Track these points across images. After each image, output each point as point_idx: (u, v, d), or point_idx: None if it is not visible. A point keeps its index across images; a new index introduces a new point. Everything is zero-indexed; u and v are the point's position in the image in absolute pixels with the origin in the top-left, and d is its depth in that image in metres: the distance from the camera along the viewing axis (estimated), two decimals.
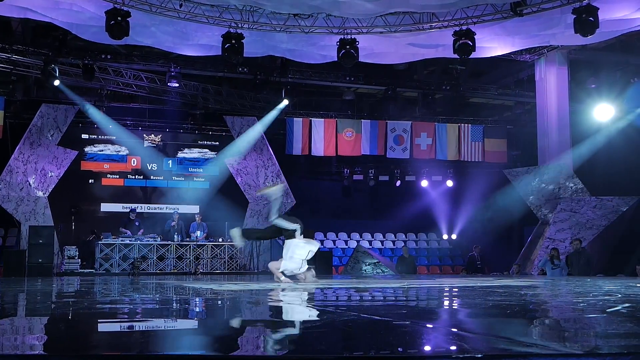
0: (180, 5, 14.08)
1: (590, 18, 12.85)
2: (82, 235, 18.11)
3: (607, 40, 15.35)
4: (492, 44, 15.64)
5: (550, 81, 17.53)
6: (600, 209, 15.72)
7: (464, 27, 14.44)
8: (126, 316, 4.20)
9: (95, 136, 19.64)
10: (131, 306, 4.98)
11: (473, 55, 14.68)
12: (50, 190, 18.09)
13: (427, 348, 2.62)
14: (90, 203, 19.38)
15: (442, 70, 20.17)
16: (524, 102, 21.08)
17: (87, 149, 19.45)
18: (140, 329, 3.42)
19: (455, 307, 5.03)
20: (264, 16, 14.92)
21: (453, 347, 2.52)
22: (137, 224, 17.53)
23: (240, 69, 18.09)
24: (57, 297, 6.49)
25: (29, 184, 17.84)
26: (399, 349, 2.75)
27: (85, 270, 16.37)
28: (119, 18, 13.25)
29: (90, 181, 19.46)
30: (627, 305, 4.52)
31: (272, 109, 19.86)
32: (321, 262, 17.35)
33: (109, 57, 17.41)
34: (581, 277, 12.43)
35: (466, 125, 21.14)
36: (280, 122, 20.20)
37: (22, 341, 2.85)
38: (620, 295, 5.61)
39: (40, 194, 17.93)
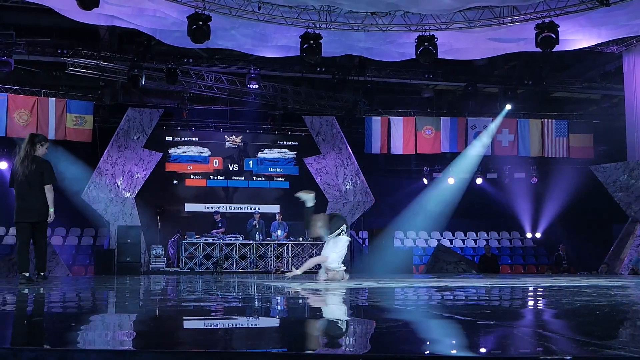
0: (259, 8, 14.29)
1: None
2: (167, 234, 18.67)
3: None
4: (576, 36, 15.13)
5: (639, 73, 16.83)
6: None
7: (547, 20, 14.03)
8: (211, 314, 4.29)
9: (179, 138, 20.20)
10: (215, 304, 5.09)
11: (557, 48, 14.25)
12: (137, 191, 18.77)
13: (512, 349, 2.56)
14: (174, 203, 19.93)
15: (524, 65, 19.67)
16: (611, 95, 20.32)
17: (171, 151, 20.03)
18: (224, 327, 3.49)
19: (541, 308, 4.89)
20: (342, 16, 14.95)
21: (539, 349, 2.45)
22: (220, 225, 17.95)
23: (318, 69, 18.20)
24: (144, 294, 6.70)
25: (117, 185, 18.57)
26: (482, 349, 2.70)
27: (171, 269, 16.88)
28: (200, 22, 13.59)
29: (174, 182, 20.03)
30: None
31: (350, 107, 19.90)
32: (402, 261, 17.28)
33: (190, 60, 17.87)
34: None
35: (550, 120, 20.55)
36: (359, 120, 20.20)
37: (112, 337, 2.96)
38: None
39: (127, 195, 18.63)
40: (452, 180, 21.40)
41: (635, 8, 13.79)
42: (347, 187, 20.01)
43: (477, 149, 20.36)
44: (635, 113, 16.82)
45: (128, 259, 16.45)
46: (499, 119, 20.13)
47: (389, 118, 20.22)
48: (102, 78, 18.01)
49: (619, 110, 18.58)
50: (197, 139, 20.28)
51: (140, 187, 18.87)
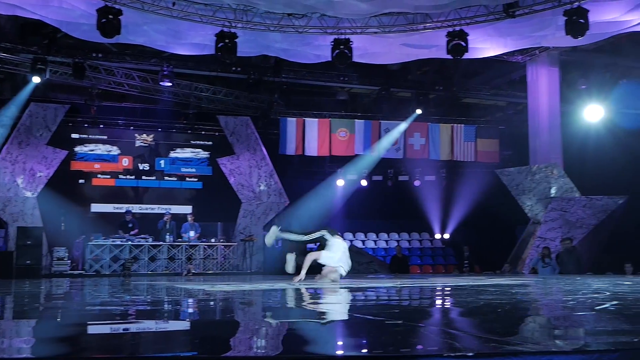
0: (173, 4, 14.00)
1: (581, 20, 12.90)
2: (71, 236, 17.99)
3: (596, 42, 15.43)
4: (484, 45, 15.67)
5: (542, 82, 17.60)
6: (590, 208, 15.83)
7: (457, 28, 14.45)
8: (117, 318, 4.17)
9: (86, 136, 19.53)
10: (122, 308, 4.95)
11: (466, 55, 14.69)
12: (39, 190, 17.96)
13: (419, 347, 2.61)
14: (80, 203, 19.22)
15: (436, 71, 20.19)
16: (516, 102, 21.13)
17: (78, 149, 19.31)
18: (131, 331, 3.40)
19: (447, 306, 5.03)
20: (258, 15, 14.88)
21: (445, 346, 2.51)
22: (130, 225, 17.46)
23: (233, 69, 18.04)
24: (45, 299, 6.45)
25: (17, 184, 17.70)
26: (391, 348, 2.74)
27: (75, 272, 16.27)
28: (111, 16, 13.16)
29: (80, 181, 19.32)
30: (615, 302, 4.54)
31: (265, 108, 19.87)
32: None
33: (100, 55, 17.28)
34: (571, 275, 12.50)
35: (459, 125, 21.19)
36: (274, 121, 20.18)
37: (9, 345, 2.83)
38: (608, 293, 5.64)
39: (28, 194, 17.80)
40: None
41: (539, 21, 14.43)
42: (261, 188, 19.93)
43: (382, 151, 20.77)
44: (538, 120, 17.58)
45: (28, 262, 15.71)
46: (407, 122, 20.58)
47: (304, 119, 20.29)
48: (2, 70, 17.14)
49: (523, 117, 19.32)
50: (105, 137, 19.65)
51: (42, 187, 18.05)
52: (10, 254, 16.06)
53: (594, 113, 17.44)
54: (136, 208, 19.50)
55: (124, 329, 3.45)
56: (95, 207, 19.32)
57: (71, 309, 4.72)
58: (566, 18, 13.05)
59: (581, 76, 18.51)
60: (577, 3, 13.01)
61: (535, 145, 17.59)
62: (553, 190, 16.68)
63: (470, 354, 2.20)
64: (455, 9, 14.40)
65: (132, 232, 17.25)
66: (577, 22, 12.93)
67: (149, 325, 3.65)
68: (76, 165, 19.22)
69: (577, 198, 16.14)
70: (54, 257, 16.32)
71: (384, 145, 20.69)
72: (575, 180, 16.70)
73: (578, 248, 14.97)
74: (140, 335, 3.18)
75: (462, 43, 14.33)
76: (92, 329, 3.54)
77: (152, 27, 14.73)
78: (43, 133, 18.17)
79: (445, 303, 5.46)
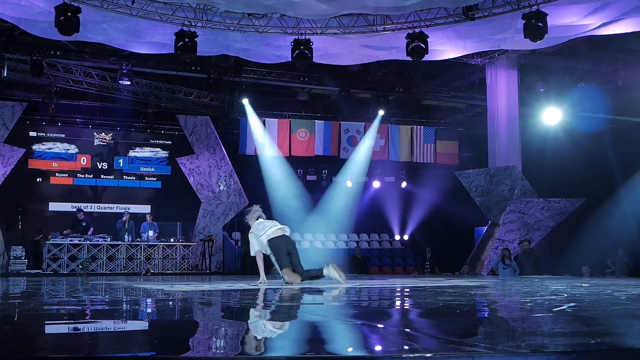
0: (133, 2, 13.85)
1: (540, 24, 13.12)
2: (29, 235, 17.67)
3: (555, 46, 15.70)
4: (444, 47, 15.83)
5: (501, 85, 17.86)
6: (547, 211, 16.09)
7: (417, 30, 14.57)
8: (74, 318, 4.12)
9: (44, 134, 19.20)
10: (79, 307, 4.89)
11: (426, 57, 14.82)
12: None
13: (379, 348, 2.64)
14: (38, 202, 18.93)
15: (396, 72, 20.34)
16: (475, 104, 21.39)
17: (35, 147, 19.00)
18: (88, 331, 3.36)
19: (407, 307, 5.08)
20: (218, 15, 14.80)
21: (404, 347, 2.54)
22: (84, 224, 17.21)
23: (193, 68, 17.92)
24: (1, 298, 6.32)
25: None
26: (350, 349, 2.77)
27: (33, 271, 15.99)
28: (69, 14, 12.96)
29: (38, 180, 19.02)
30: (572, 304, 4.64)
31: (226, 108, 19.77)
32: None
33: (58, 53, 17.02)
34: (529, 277, 12.69)
35: (419, 127, 21.37)
36: (234, 121, 20.09)
37: None
38: (566, 295, 5.75)
39: None
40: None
41: (498, 24, 14.64)
42: (221, 188, 19.83)
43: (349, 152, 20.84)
44: (496, 123, 17.83)
45: None
46: (375, 125, 20.69)
47: (264, 119, 20.25)
48: None
49: (482, 119, 19.59)
50: (63, 135, 19.36)
51: None
52: None
53: (552, 116, 17.78)
54: (94, 207, 19.25)
55: (81, 329, 3.40)
56: (54, 206, 19.01)
57: (29, 308, 4.64)
58: (525, 21, 13.27)
59: (540, 79, 18.84)
60: (535, 7, 13.24)
61: (494, 147, 17.83)
62: (511, 193, 16.94)
63: (429, 354, 2.24)
64: (416, 11, 14.53)
65: (89, 232, 17.01)
66: (535, 25, 13.15)
67: (107, 325, 3.61)
68: (34, 164, 18.91)
69: (535, 200, 16.40)
70: (11, 256, 16.03)
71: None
72: (534, 182, 16.98)
73: (536, 250, 15.21)
74: (98, 335, 3.15)
75: (422, 45, 14.46)
76: (50, 329, 3.49)
77: (111, 25, 14.55)
78: (0, 130, 17.79)
79: (404, 304, 5.51)
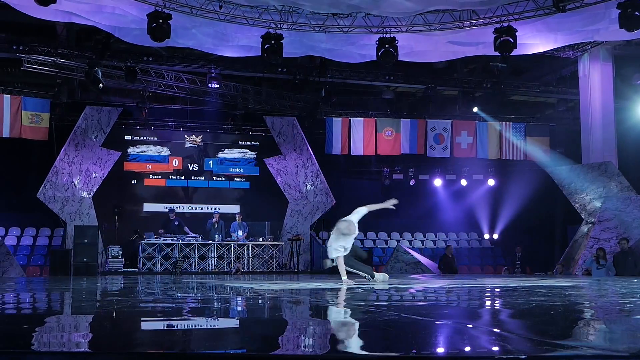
0: (220, 7, 14.20)
1: (636, 12, 12.53)
2: (125, 235, 18.40)
3: None
4: (533, 41, 15.40)
5: (594, 78, 17.20)
6: None
7: (505, 24, 14.24)
8: (168, 315, 4.25)
9: (138, 137, 19.95)
10: (173, 305, 5.04)
11: (514, 52, 14.48)
12: (94, 190, 18.47)
13: (469, 348, 2.59)
14: (133, 203, 19.67)
15: (483, 68, 19.92)
16: (566, 99, 20.69)
17: (130, 150, 19.75)
18: (182, 328, 3.46)
19: (498, 307, 4.96)
20: (303, 16, 14.95)
21: (495, 348, 2.48)
22: (176, 223, 17.76)
23: (279, 70, 18.15)
24: (101, 295, 6.60)
25: (74, 184, 18.24)
26: (440, 349, 2.73)
27: (129, 270, 16.66)
28: (160, 20, 13.43)
29: (133, 182, 19.76)
30: None
31: (312, 108, 19.93)
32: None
33: (150, 59, 17.63)
34: (628, 277, 12.16)
35: (507, 123, 20.87)
36: (320, 121, 20.23)
37: (67, 339, 2.91)
38: None
39: (84, 194, 18.31)
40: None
41: (590, 14, 14.10)
42: (308, 187, 20.01)
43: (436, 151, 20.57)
44: (590, 117, 17.18)
45: (85, 260, 16.18)
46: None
47: (350, 119, 20.27)
48: (59, 75, 17.65)
49: (575, 114, 18.94)
50: (156, 138, 20.04)
51: (97, 187, 18.56)
52: (68, 252, 16.58)
53: None
54: (186, 208, 19.82)
55: (175, 326, 3.51)
56: (148, 207, 19.72)
57: (126, 305, 4.83)
58: (620, 11, 12.71)
59: (636, 71, 18.01)
60: None
61: (587, 142, 17.20)
62: (607, 190, 16.27)
63: (523, 356, 2.18)
64: (503, 5, 14.21)
65: (185, 230, 17.53)
66: (631, 14, 12.57)
67: (200, 322, 3.71)
68: (129, 166, 19.68)
69: (632, 197, 15.71)
70: (109, 255, 16.78)
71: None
72: (631, 178, 16.27)
73: (635, 249, 14.54)
74: (191, 332, 3.24)
75: (511, 39, 14.12)
76: (146, 325, 3.61)
77: (200, 30, 14.96)
78: (98, 135, 18.69)
79: (495, 304, 5.39)
